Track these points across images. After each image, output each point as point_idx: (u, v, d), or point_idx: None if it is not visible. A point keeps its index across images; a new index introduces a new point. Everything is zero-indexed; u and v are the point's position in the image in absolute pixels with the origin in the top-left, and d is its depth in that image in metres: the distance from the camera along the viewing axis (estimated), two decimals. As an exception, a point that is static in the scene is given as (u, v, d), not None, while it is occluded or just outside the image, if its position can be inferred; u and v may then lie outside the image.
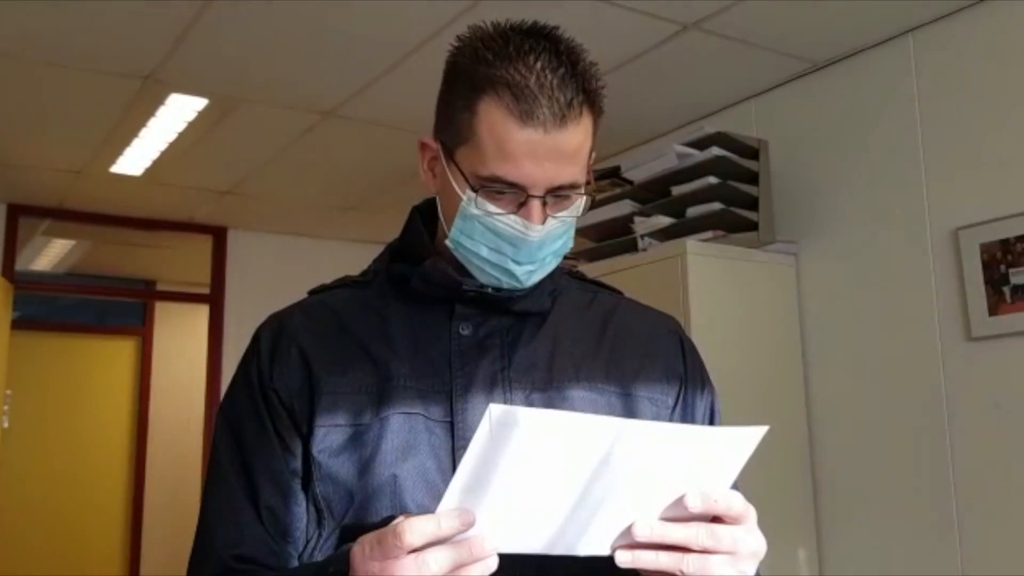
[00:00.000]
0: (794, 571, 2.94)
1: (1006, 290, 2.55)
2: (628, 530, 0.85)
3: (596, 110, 1.04)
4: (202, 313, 5.22)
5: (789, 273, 3.14)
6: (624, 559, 0.85)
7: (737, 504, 0.87)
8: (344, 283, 1.16)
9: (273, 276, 5.00)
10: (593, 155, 1.08)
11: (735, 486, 0.91)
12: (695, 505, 0.84)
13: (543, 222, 1.01)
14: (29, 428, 5.89)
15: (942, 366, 2.70)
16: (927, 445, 2.72)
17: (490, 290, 1.07)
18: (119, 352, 6.48)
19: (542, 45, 1.00)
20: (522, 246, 1.02)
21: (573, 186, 1.02)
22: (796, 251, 3.15)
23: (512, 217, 1.01)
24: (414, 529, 0.80)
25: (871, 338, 2.90)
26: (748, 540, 0.88)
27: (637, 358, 1.13)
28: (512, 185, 1.00)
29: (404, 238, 1.16)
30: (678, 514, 0.86)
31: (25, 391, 5.86)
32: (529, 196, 1.00)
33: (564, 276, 1.17)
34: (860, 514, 2.90)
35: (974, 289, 2.62)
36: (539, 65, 0.99)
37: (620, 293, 1.24)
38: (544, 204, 1.01)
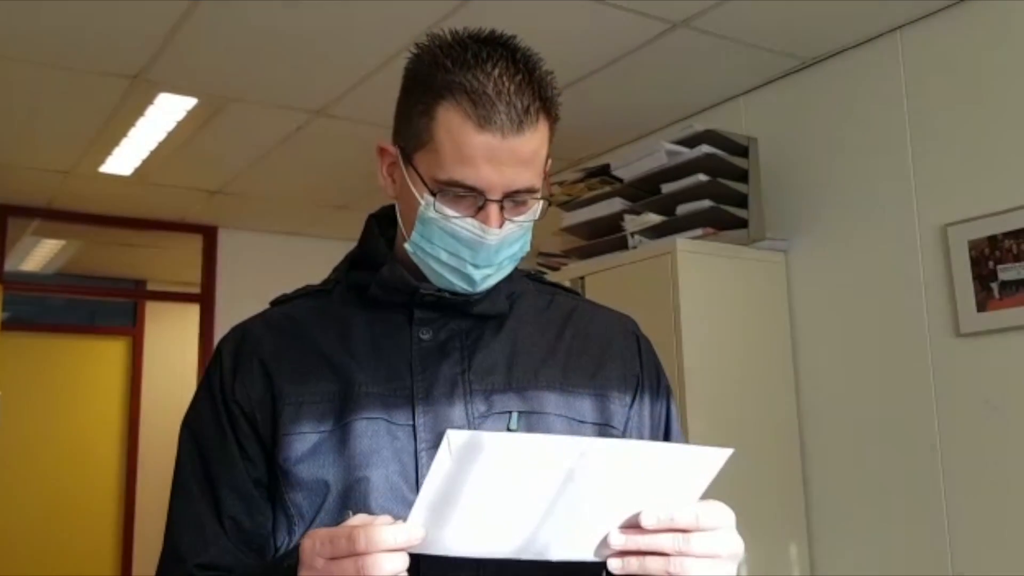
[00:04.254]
0: (785, 567, 2.95)
1: (994, 286, 2.56)
2: (605, 540, 0.89)
3: (552, 117, 1.06)
4: (193, 313, 5.21)
5: (779, 270, 3.15)
6: (615, 566, 0.89)
7: (687, 518, 0.89)
8: (305, 292, 1.18)
9: (264, 275, 4.97)
10: (550, 162, 1.09)
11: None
12: (649, 523, 0.88)
13: (500, 226, 1.03)
14: (19, 429, 5.86)
15: (931, 362, 2.71)
16: (916, 441, 2.73)
17: (447, 294, 1.08)
18: (110, 352, 6.46)
19: (499, 52, 1.02)
20: (480, 249, 1.04)
21: (530, 191, 1.04)
22: (786, 248, 3.16)
23: (470, 221, 1.03)
24: (368, 537, 0.83)
25: (860, 334, 2.91)
26: (723, 544, 0.91)
27: (595, 358, 1.15)
28: (470, 189, 1.01)
29: (362, 246, 1.18)
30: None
31: (15, 392, 5.83)
32: (487, 200, 1.02)
33: (522, 279, 1.19)
34: (850, 510, 2.91)
35: (963, 285, 2.63)
36: (496, 72, 1.00)
37: (578, 294, 1.26)
38: (501, 208, 1.02)
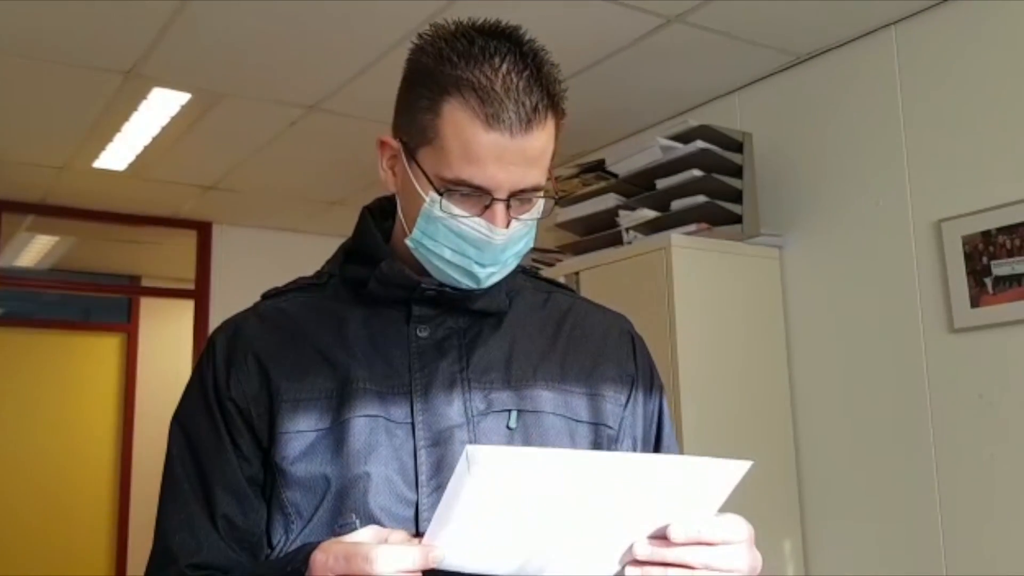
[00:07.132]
0: (779, 563, 2.96)
1: (988, 281, 2.56)
2: (629, 550, 0.89)
3: (559, 113, 1.03)
4: (187, 308, 5.20)
5: (773, 266, 3.15)
6: (633, 573, 0.89)
7: (714, 531, 0.89)
8: (298, 286, 1.16)
9: (258, 271, 4.92)
10: (554, 158, 1.08)
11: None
12: (678, 536, 0.87)
13: (507, 225, 1.01)
14: (13, 426, 5.86)
15: (925, 357, 2.72)
16: (910, 436, 2.73)
17: (448, 289, 1.07)
18: (104, 349, 6.44)
19: (506, 47, 0.99)
20: (486, 249, 1.02)
21: (536, 189, 1.02)
22: (780, 244, 3.16)
23: (476, 220, 1.01)
24: (385, 559, 0.83)
25: (855, 330, 2.92)
26: (744, 558, 0.92)
27: (591, 357, 1.15)
28: (476, 188, 0.99)
29: (357, 239, 1.15)
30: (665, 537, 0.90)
31: (9, 388, 5.83)
32: (493, 199, 1.00)
33: (518, 275, 1.17)
34: (844, 505, 2.92)
35: (956, 281, 2.63)
36: (504, 67, 0.98)
37: (574, 292, 1.25)
38: (508, 207, 1.01)
